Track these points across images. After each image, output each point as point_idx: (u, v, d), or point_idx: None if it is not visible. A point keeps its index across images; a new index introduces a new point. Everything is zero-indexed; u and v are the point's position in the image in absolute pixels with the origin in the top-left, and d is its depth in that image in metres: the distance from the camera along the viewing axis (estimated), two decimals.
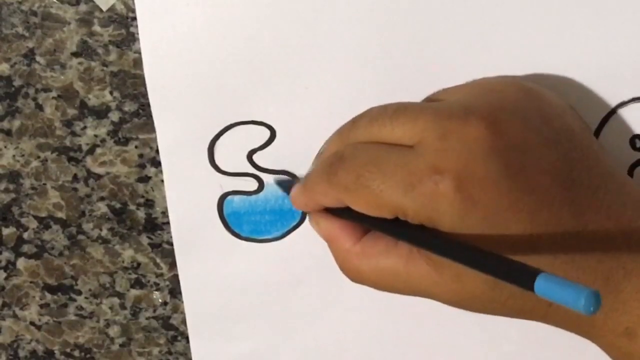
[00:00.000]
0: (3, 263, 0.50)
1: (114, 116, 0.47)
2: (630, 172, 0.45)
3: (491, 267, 0.35)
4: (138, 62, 0.45)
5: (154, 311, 0.51)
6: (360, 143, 0.42)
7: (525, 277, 0.33)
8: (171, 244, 0.48)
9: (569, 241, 0.39)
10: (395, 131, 0.40)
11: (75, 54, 0.45)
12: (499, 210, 0.38)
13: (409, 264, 0.41)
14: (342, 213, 0.42)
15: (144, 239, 0.49)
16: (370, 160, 0.40)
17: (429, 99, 0.44)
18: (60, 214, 0.49)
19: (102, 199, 0.48)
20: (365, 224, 0.42)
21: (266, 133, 0.46)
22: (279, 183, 0.46)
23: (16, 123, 0.47)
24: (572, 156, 0.40)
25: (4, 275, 0.51)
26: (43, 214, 0.49)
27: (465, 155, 0.38)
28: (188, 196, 0.47)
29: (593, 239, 0.39)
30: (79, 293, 0.51)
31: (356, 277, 0.43)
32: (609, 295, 0.39)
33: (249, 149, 0.46)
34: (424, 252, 0.40)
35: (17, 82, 0.46)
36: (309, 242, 0.46)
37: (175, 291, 0.50)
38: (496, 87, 0.42)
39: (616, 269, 0.39)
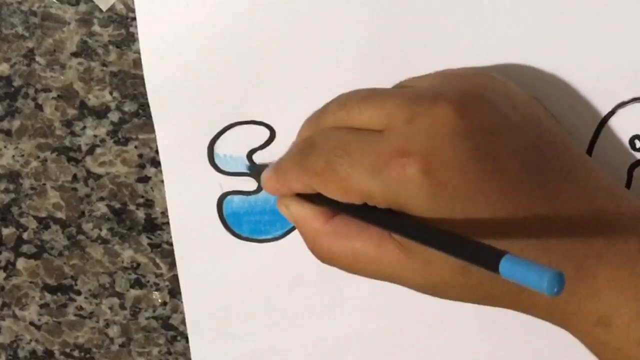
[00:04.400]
0: (3, 263, 0.50)
1: (114, 116, 0.47)
2: (630, 172, 0.45)
3: (457, 249, 0.35)
4: (138, 62, 0.45)
5: (154, 311, 0.51)
6: (330, 128, 0.41)
7: (490, 259, 0.32)
8: (171, 244, 0.48)
9: (541, 226, 0.38)
10: (363, 115, 0.40)
11: (75, 54, 0.45)
12: (467, 194, 0.38)
13: (380, 247, 0.40)
14: (313, 198, 0.42)
15: (144, 239, 0.49)
16: (338, 144, 0.40)
17: (398, 86, 0.44)
18: (60, 214, 0.49)
19: (101, 199, 0.48)
20: (335, 209, 0.42)
21: (266, 133, 0.46)
22: (251, 169, 0.46)
23: (16, 123, 0.47)
24: (541, 142, 0.40)
25: (4, 275, 0.51)
26: (43, 214, 0.49)
27: (432, 138, 0.38)
28: (188, 196, 0.47)
29: (565, 225, 0.39)
30: (79, 293, 0.51)
31: (327, 257, 0.43)
32: (582, 282, 0.38)
33: (249, 149, 0.46)
34: (395, 236, 0.40)
35: (17, 82, 0.46)
36: None
37: (174, 291, 0.50)
38: (463, 74, 0.42)
39: (589, 256, 0.38)
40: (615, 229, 0.39)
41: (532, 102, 0.42)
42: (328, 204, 0.41)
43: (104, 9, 0.44)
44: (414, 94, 0.40)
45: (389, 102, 0.39)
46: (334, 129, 0.41)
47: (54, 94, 0.46)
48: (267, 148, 0.46)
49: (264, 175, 0.44)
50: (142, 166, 0.48)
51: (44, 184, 0.48)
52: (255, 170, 0.46)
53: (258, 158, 0.46)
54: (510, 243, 0.38)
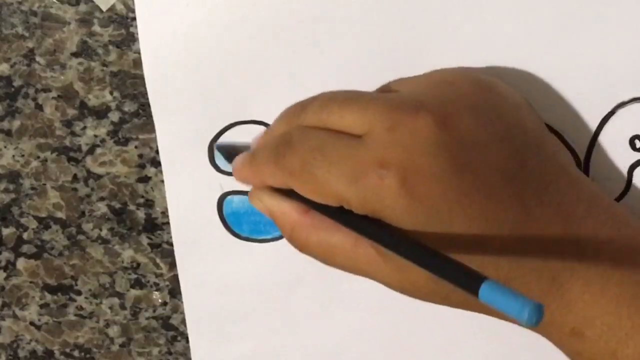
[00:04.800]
0: (3, 263, 0.50)
1: (114, 116, 0.47)
2: (630, 172, 0.45)
3: (435, 266, 0.35)
4: (138, 62, 0.45)
5: (154, 311, 0.51)
6: (309, 127, 0.41)
7: (469, 282, 0.32)
8: (171, 244, 0.48)
9: (516, 239, 0.38)
10: (345, 119, 0.40)
11: (75, 54, 0.45)
12: (444, 207, 0.38)
13: (357, 245, 0.40)
14: (287, 193, 0.42)
15: (144, 239, 0.49)
16: (317, 146, 0.40)
17: (383, 89, 0.43)
18: (60, 214, 0.49)
19: (102, 199, 0.48)
20: (310, 206, 0.41)
21: None
22: (220, 148, 0.46)
23: (16, 123, 0.47)
24: (524, 152, 0.39)
25: (4, 275, 0.51)
26: (43, 214, 0.49)
27: (412, 150, 0.38)
28: (188, 196, 0.47)
29: (540, 238, 0.38)
30: (79, 293, 0.51)
31: (304, 248, 0.43)
32: (555, 295, 0.38)
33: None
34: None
35: (17, 82, 0.46)
36: None
37: (175, 291, 0.50)
38: (450, 79, 0.41)
39: (563, 269, 0.38)
40: (590, 242, 0.39)
41: (520, 108, 0.42)
42: (303, 201, 0.41)
43: (104, 9, 0.44)
44: (396, 101, 0.39)
45: (370, 108, 0.39)
46: (313, 129, 0.41)
47: (54, 94, 0.46)
48: None
49: (236, 164, 0.44)
50: (142, 166, 0.48)
51: (44, 184, 0.48)
52: (224, 150, 0.45)
53: None
54: (483, 256, 0.38)
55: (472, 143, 0.38)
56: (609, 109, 0.44)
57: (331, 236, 0.41)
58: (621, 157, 0.45)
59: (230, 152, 0.45)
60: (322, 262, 0.42)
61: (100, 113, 0.46)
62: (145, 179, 0.48)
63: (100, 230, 0.49)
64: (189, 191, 0.47)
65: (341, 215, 0.40)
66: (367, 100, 0.40)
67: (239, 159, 0.44)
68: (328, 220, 0.41)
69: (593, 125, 0.44)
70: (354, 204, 0.39)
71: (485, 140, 0.39)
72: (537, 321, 0.30)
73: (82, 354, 0.52)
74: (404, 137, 0.38)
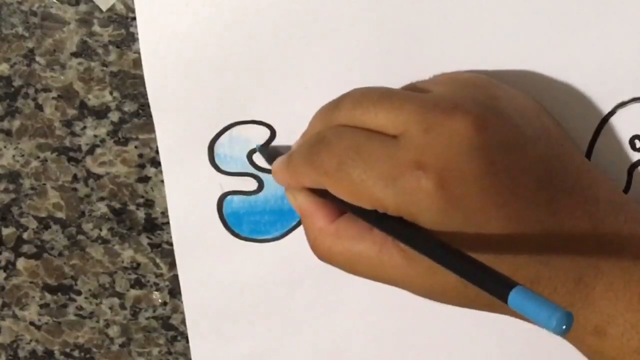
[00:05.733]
0: (3, 263, 0.50)
1: (114, 116, 0.47)
2: (630, 172, 0.45)
3: (467, 271, 0.35)
4: (138, 62, 0.45)
5: (154, 311, 0.51)
6: (343, 127, 0.41)
7: (499, 288, 0.32)
8: (171, 244, 0.48)
9: (545, 240, 0.38)
10: (379, 117, 0.39)
11: (75, 54, 0.45)
12: (480, 209, 0.38)
13: (382, 252, 0.40)
14: (322, 193, 0.41)
15: (144, 239, 0.49)
16: (352, 146, 0.39)
17: (413, 87, 0.43)
18: (60, 214, 0.49)
19: (101, 199, 0.48)
20: (344, 207, 0.41)
21: (266, 133, 0.46)
22: (262, 151, 0.46)
23: (16, 123, 0.47)
24: (550, 154, 0.40)
25: (4, 275, 0.51)
26: (43, 214, 0.49)
27: (449, 152, 0.38)
28: (188, 196, 0.47)
29: (567, 238, 0.39)
30: (79, 293, 0.51)
31: (326, 257, 0.42)
32: (580, 293, 0.39)
33: (249, 149, 0.46)
34: (398, 243, 0.40)
35: (17, 82, 0.46)
36: None
37: (175, 291, 0.50)
38: (477, 83, 0.41)
39: (588, 268, 0.39)
40: (612, 240, 0.39)
41: (540, 111, 0.42)
42: (337, 201, 0.41)
43: (104, 9, 0.44)
44: (431, 102, 0.39)
45: (406, 107, 0.39)
46: (347, 128, 0.40)
47: (54, 94, 0.46)
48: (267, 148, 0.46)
49: (275, 166, 0.44)
50: (142, 166, 0.48)
51: (44, 184, 0.48)
52: (266, 153, 0.45)
53: (258, 158, 0.46)
54: (514, 257, 0.38)
55: (507, 146, 0.38)
56: (609, 109, 0.44)
57: (355, 245, 0.41)
58: (621, 157, 0.45)
59: (273, 156, 0.45)
60: (345, 271, 0.42)
61: (100, 113, 0.47)
62: (145, 179, 0.48)
63: (100, 230, 0.49)
64: (189, 191, 0.47)
65: (375, 217, 0.39)
66: (402, 99, 0.39)
67: (276, 162, 0.44)
68: (353, 230, 0.41)
69: (593, 125, 0.44)
70: (389, 206, 0.38)
71: (517, 143, 0.39)
72: (566, 329, 0.30)
73: (82, 354, 0.52)
74: (440, 139, 0.38)
